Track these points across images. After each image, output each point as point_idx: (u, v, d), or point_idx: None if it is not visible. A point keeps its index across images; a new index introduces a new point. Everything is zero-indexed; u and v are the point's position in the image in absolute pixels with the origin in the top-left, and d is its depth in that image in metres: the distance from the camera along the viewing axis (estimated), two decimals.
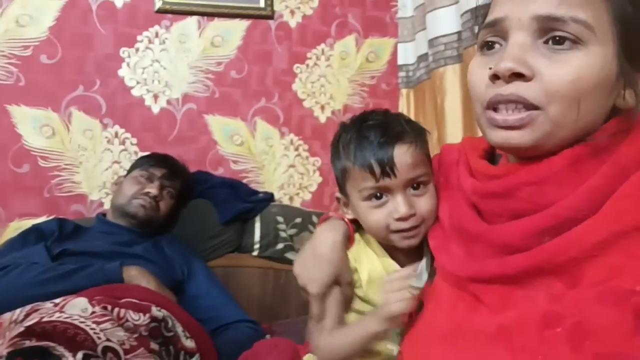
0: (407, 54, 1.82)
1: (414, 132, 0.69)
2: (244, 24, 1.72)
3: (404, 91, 1.83)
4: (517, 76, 0.49)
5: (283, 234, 1.51)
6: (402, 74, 1.85)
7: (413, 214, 0.66)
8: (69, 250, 1.15)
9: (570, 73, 0.47)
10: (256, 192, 1.62)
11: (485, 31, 0.54)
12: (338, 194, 0.75)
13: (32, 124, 1.54)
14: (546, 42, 0.49)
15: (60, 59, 1.56)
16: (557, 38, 0.48)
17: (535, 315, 0.47)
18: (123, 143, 1.61)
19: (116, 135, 1.61)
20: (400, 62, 1.85)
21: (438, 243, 0.65)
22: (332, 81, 1.81)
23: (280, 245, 1.50)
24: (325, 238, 0.71)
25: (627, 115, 0.52)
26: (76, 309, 0.84)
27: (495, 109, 0.52)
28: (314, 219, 1.55)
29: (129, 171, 1.40)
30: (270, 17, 1.74)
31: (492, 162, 0.62)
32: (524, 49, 0.49)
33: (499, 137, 0.52)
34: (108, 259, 1.12)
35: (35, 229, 1.24)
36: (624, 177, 0.48)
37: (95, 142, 1.59)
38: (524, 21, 0.49)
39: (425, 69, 1.69)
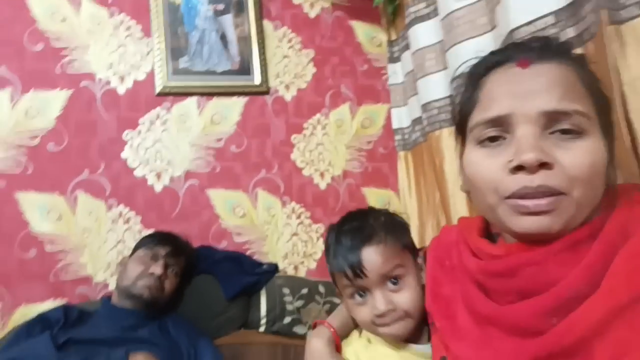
0: (402, 117, 1.89)
1: (385, 230, 0.74)
2: (241, 100, 1.80)
3: (401, 153, 1.88)
4: (543, 165, 0.51)
5: (290, 307, 1.49)
6: (398, 137, 1.91)
7: (392, 309, 0.71)
8: (75, 338, 1.13)
9: (588, 158, 0.51)
10: (260, 264, 1.62)
11: (484, 126, 0.56)
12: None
13: (39, 210, 1.57)
14: (552, 132, 0.53)
15: (66, 145, 1.62)
16: (564, 130, 0.52)
17: None
18: (127, 222, 1.63)
19: (120, 215, 1.63)
20: (395, 126, 1.91)
21: (442, 314, 0.65)
22: (330, 148, 1.86)
23: (287, 319, 1.47)
24: (312, 347, 0.78)
25: (609, 191, 0.55)
26: None
27: (516, 198, 0.53)
28: (320, 288, 1.54)
29: (133, 251, 1.41)
30: (266, 93, 1.82)
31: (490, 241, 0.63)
32: (538, 138, 0.52)
33: (528, 223, 0.52)
34: (114, 345, 1.10)
35: (40, 318, 1.22)
36: (613, 253, 0.50)
37: (100, 223, 1.61)
38: (531, 116, 0.53)
39: (420, 131, 1.75)
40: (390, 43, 1.94)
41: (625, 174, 0.80)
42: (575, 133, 0.52)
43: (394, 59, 1.93)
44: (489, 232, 0.66)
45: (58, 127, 1.63)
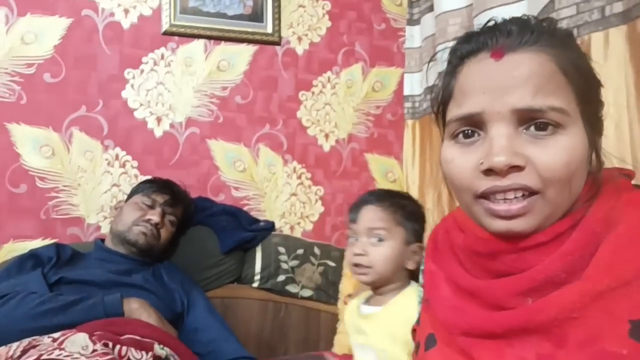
0: (414, 84, 1.83)
1: (390, 202, 0.94)
2: (250, 49, 1.72)
3: (409, 122, 1.83)
4: (513, 168, 0.50)
5: (284, 266, 1.48)
6: (408, 104, 1.85)
7: (363, 255, 0.91)
8: (67, 278, 1.10)
9: (563, 158, 0.50)
10: (257, 221, 1.59)
11: (458, 123, 0.54)
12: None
13: (31, 144, 1.50)
14: (527, 128, 0.51)
15: (63, 78, 1.54)
16: (540, 124, 0.50)
17: None
18: (123, 166, 1.58)
19: (117, 157, 1.58)
20: (406, 92, 1.86)
21: (430, 290, 0.68)
22: (337, 109, 1.80)
23: (281, 277, 1.47)
24: None
25: (593, 180, 0.54)
26: (76, 345, 0.81)
27: (489, 198, 0.52)
28: (316, 250, 1.53)
29: (130, 196, 1.36)
30: (277, 43, 1.74)
31: None
32: (510, 138, 0.50)
33: (500, 226, 0.52)
34: (107, 288, 1.08)
35: (32, 254, 1.19)
36: (595, 241, 0.50)
37: (95, 164, 1.55)
38: (503, 114, 0.51)
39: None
40: (411, 3, 1.85)
41: None
42: (551, 128, 0.50)
43: (413, 21, 1.85)
44: None
45: (55, 57, 1.54)
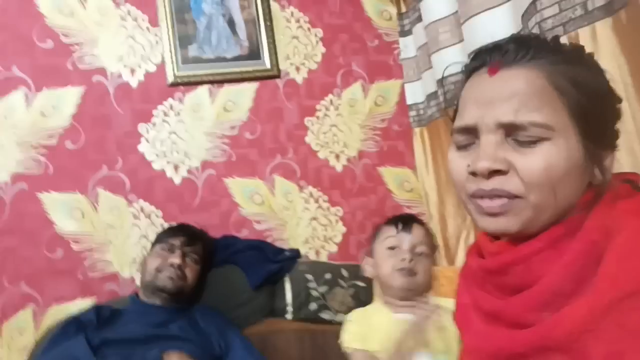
0: (415, 93, 1.85)
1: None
2: (252, 86, 1.78)
3: (417, 130, 1.85)
4: (495, 172, 0.54)
5: (314, 293, 1.50)
6: (412, 113, 1.87)
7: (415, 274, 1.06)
8: (108, 339, 1.16)
9: (541, 163, 0.52)
10: (282, 250, 1.63)
11: (459, 133, 0.59)
12: None
13: (62, 209, 1.60)
14: (514, 138, 0.54)
15: (83, 142, 1.63)
16: (521, 140, 0.54)
17: None
18: (149, 217, 1.65)
19: (141, 210, 1.65)
20: (409, 101, 1.88)
21: (461, 322, 0.68)
22: (344, 129, 1.84)
23: (313, 305, 1.49)
24: None
25: (592, 191, 0.56)
26: None
27: (478, 198, 0.57)
28: (344, 272, 1.55)
29: (150, 249, 1.44)
30: (277, 77, 1.79)
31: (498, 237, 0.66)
32: (496, 146, 0.54)
33: (487, 223, 0.57)
34: (147, 343, 1.14)
35: (73, 320, 1.26)
36: (597, 250, 0.51)
37: (122, 219, 1.64)
38: (490, 126, 0.55)
39: (436, 107, 1.71)
40: (401, 16, 1.89)
41: None
42: (531, 141, 0.53)
43: (405, 32, 1.87)
44: None
45: (74, 124, 1.63)
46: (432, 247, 1.13)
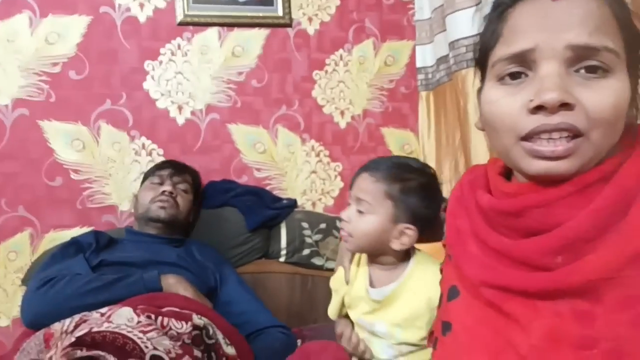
0: (426, 56, 1.84)
1: (385, 175, 0.83)
2: (263, 33, 1.75)
3: (423, 94, 1.85)
4: (564, 106, 0.50)
5: (309, 240, 1.54)
6: (421, 76, 1.86)
7: (347, 222, 0.85)
8: (107, 260, 1.19)
9: (612, 99, 0.50)
10: (280, 199, 1.66)
11: (507, 61, 0.54)
12: None
13: (63, 139, 1.59)
14: (577, 70, 0.51)
15: (88, 74, 1.61)
16: (590, 67, 0.50)
17: (568, 336, 0.50)
18: (150, 154, 1.65)
19: (143, 146, 1.65)
20: (418, 64, 1.87)
21: (456, 246, 0.67)
22: (351, 86, 1.83)
23: (306, 251, 1.53)
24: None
25: (628, 132, 0.54)
26: (122, 318, 0.88)
27: (533, 139, 0.52)
28: (338, 224, 1.58)
29: (140, 185, 1.48)
30: (289, 25, 1.77)
31: (508, 177, 0.64)
32: (562, 77, 0.50)
33: (540, 166, 0.52)
34: (145, 267, 1.16)
35: (73, 241, 1.28)
36: (627, 199, 0.50)
37: (123, 154, 1.64)
38: (557, 50, 0.51)
39: (445, 70, 1.71)
40: None
41: None
42: (601, 71, 0.50)
43: None
44: (509, 170, 0.65)
45: (79, 54, 1.61)
46: (390, 197, 0.84)
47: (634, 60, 0.53)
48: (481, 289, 0.58)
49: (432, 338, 0.71)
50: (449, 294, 0.66)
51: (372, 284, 0.87)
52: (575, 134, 0.50)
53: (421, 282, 0.82)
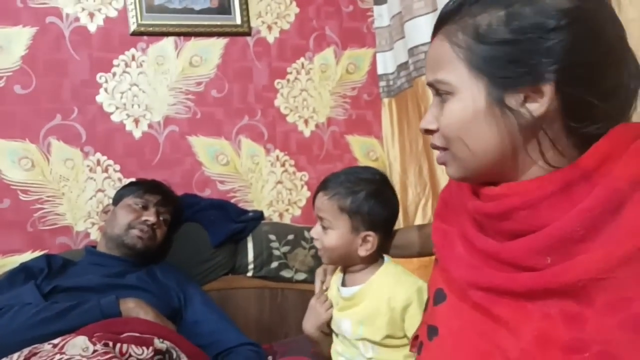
0: (387, 63, 1.85)
1: (338, 191, 0.90)
2: (221, 42, 1.71)
3: (385, 100, 1.85)
4: (428, 131, 0.62)
5: (276, 252, 1.50)
6: (382, 83, 1.87)
7: (316, 239, 0.93)
8: (61, 286, 1.10)
9: (446, 119, 0.59)
10: (246, 212, 1.61)
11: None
12: None
13: (9, 157, 1.49)
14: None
15: (34, 88, 1.52)
16: (439, 94, 0.60)
17: (558, 339, 0.49)
18: (106, 171, 1.57)
19: (98, 163, 1.57)
20: (380, 71, 1.87)
21: (442, 246, 0.68)
22: (314, 94, 1.81)
23: (274, 264, 1.49)
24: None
25: (609, 138, 0.52)
26: (77, 348, 0.82)
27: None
28: (306, 234, 1.55)
29: (119, 199, 1.36)
30: (248, 34, 1.73)
31: None
32: (433, 107, 0.62)
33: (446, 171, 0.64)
34: (102, 292, 1.09)
35: (23, 267, 1.19)
36: (618, 200, 0.49)
37: (77, 172, 1.55)
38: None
39: (406, 77, 1.72)
40: None
41: None
42: (444, 95, 0.59)
43: (380, 1, 1.86)
44: None
45: (24, 67, 1.51)
46: (343, 211, 0.91)
47: (501, 68, 0.53)
48: (469, 292, 0.59)
49: (416, 343, 0.69)
50: (435, 297, 0.66)
51: (344, 285, 0.97)
52: (443, 148, 0.61)
53: (384, 284, 0.89)
